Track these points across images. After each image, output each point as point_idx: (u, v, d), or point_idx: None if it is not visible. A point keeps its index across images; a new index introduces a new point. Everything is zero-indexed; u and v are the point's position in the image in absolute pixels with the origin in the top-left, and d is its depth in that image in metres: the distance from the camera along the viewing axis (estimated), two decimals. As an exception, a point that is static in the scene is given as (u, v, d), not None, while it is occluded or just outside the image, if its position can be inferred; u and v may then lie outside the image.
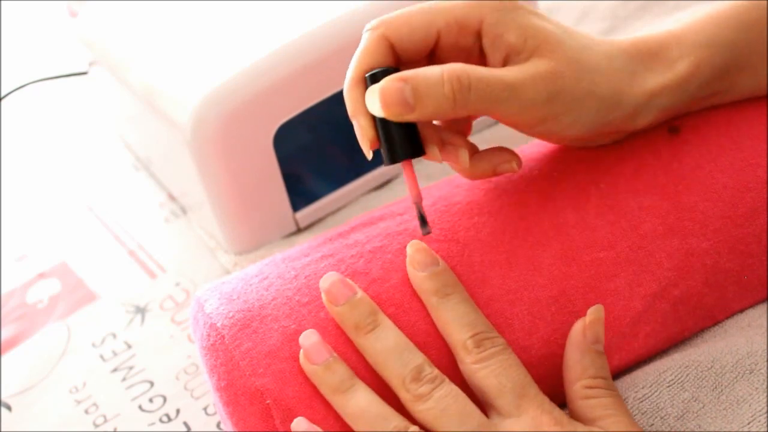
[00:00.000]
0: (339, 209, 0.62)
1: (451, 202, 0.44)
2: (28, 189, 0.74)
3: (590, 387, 0.38)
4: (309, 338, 0.39)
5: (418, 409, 0.37)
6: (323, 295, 0.40)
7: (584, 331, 0.39)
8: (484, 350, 0.38)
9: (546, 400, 0.38)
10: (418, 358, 0.38)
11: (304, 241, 0.46)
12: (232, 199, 0.57)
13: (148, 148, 0.70)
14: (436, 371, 0.38)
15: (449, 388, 0.38)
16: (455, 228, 0.43)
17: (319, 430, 0.38)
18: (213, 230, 0.62)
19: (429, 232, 0.41)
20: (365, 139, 0.39)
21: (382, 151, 0.40)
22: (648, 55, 0.42)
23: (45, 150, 0.78)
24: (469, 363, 0.38)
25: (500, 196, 0.44)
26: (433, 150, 0.40)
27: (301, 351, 0.39)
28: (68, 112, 0.82)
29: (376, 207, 0.51)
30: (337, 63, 0.55)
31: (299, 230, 0.61)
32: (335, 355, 0.39)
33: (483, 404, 0.38)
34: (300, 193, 0.60)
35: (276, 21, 0.57)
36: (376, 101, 0.37)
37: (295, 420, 0.38)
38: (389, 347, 0.38)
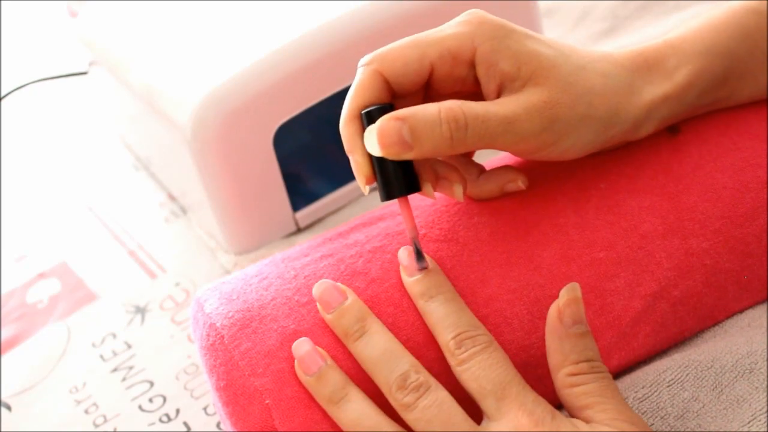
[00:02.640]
0: (339, 209, 0.62)
1: (451, 202, 0.44)
2: (28, 189, 0.74)
3: (573, 374, 0.37)
4: (302, 347, 0.39)
5: (407, 418, 0.37)
6: (318, 303, 0.40)
7: (559, 315, 0.37)
8: (464, 351, 0.37)
9: (530, 398, 0.36)
10: (404, 364, 0.38)
11: (304, 241, 0.46)
12: (232, 199, 0.57)
13: (148, 148, 0.70)
14: (423, 377, 0.37)
15: (435, 396, 0.37)
16: (455, 228, 0.43)
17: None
18: (213, 230, 0.62)
19: (425, 267, 0.40)
20: (361, 175, 0.39)
21: (378, 187, 0.40)
22: (645, 67, 0.42)
23: (45, 150, 0.78)
24: (454, 366, 0.38)
25: (500, 196, 0.43)
26: (427, 188, 0.40)
27: (296, 360, 0.39)
28: (68, 112, 0.82)
29: (376, 207, 0.51)
30: (337, 63, 0.55)
31: (299, 230, 0.61)
32: (329, 361, 0.39)
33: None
34: (300, 193, 0.60)
35: (276, 21, 0.57)
36: (374, 141, 0.37)
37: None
38: (377, 354, 0.38)
